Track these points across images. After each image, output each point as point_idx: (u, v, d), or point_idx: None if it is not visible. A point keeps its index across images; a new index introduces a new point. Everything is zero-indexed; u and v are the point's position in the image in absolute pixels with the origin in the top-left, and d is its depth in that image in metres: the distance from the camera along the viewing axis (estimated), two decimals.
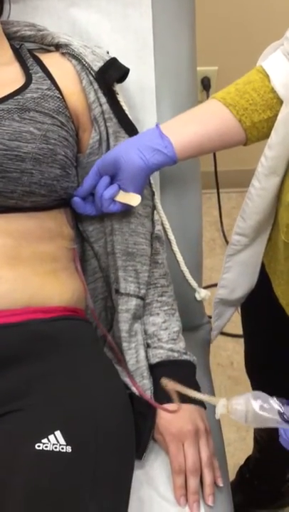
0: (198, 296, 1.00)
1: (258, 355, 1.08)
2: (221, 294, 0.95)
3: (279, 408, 0.63)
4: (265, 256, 0.89)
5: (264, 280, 0.89)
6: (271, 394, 0.67)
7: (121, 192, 0.84)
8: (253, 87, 0.81)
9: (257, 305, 0.97)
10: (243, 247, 0.88)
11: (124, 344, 0.85)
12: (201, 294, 1.00)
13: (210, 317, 1.13)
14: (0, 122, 0.77)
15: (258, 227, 0.85)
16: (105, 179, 0.84)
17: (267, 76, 0.81)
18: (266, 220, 0.84)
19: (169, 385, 0.70)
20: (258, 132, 0.81)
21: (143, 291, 0.88)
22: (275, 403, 0.63)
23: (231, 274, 0.91)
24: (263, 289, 0.90)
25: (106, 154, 0.84)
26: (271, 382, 0.93)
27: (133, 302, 0.86)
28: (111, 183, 0.84)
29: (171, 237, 0.97)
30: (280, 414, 0.62)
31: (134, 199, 0.84)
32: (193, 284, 1.00)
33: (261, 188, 0.80)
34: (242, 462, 1.35)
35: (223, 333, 1.71)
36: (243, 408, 0.64)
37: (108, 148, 0.87)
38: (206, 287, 1.05)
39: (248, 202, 0.82)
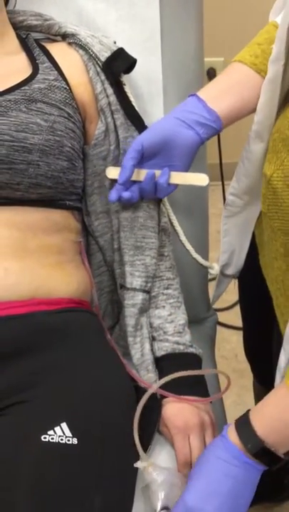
0: (212, 272, 0.99)
1: (253, 334, 1.09)
2: (223, 261, 0.95)
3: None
4: (256, 227, 0.90)
5: (256, 253, 0.90)
6: (267, 374, 0.67)
7: (173, 173, 0.81)
8: None
9: (250, 280, 0.97)
10: (238, 209, 0.89)
11: (130, 339, 0.84)
12: (216, 268, 0.98)
13: (216, 310, 1.13)
14: (7, 113, 0.76)
15: (248, 191, 0.85)
16: (150, 165, 0.81)
17: None
18: (257, 188, 0.84)
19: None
20: None
21: (149, 285, 0.88)
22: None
23: (230, 237, 0.92)
24: (255, 262, 0.90)
25: (149, 134, 0.80)
26: (266, 362, 0.93)
27: (139, 297, 0.86)
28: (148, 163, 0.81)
29: (178, 227, 0.96)
30: None
31: (200, 179, 0.82)
32: (207, 264, 0.99)
33: (249, 151, 0.81)
34: None
35: (226, 326, 1.71)
36: (157, 479, 0.71)
37: (117, 139, 0.86)
38: (211, 280, 1.05)
39: (240, 163, 0.84)
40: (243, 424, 0.67)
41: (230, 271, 0.97)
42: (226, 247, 0.94)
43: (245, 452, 0.66)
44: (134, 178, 0.81)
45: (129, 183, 0.82)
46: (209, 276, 1.01)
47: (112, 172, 0.86)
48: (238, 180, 0.86)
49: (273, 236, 0.76)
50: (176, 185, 0.83)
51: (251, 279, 0.95)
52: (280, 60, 0.72)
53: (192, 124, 0.79)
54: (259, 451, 0.65)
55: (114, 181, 0.85)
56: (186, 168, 0.82)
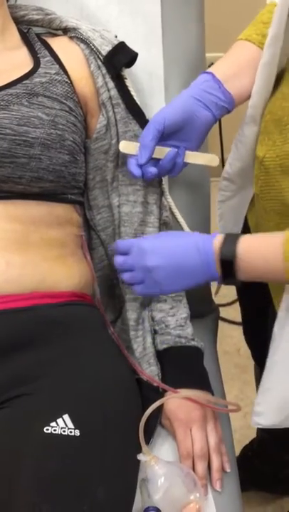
0: None
1: (250, 315, 1.09)
2: None
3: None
4: (249, 211, 0.90)
5: None
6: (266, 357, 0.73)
7: (187, 152, 0.83)
8: None
9: None
10: (232, 194, 0.90)
11: (132, 333, 0.85)
12: None
13: (218, 305, 1.13)
14: (8, 107, 0.76)
15: (241, 175, 0.86)
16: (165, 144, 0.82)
17: None
18: (249, 171, 0.84)
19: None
20: None
21: None
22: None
23: (225, 222, 0.93)
24: None
25: (170, 113, 0.79)
26: (264, 344, 0.93)
27: None
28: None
29: (181, 219, 0.96)
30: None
31: (211, 160, 0.85)
32: None
33: (243, 135, 0.82)
34: None
35: (229, 321, 1.71)
36: (158, 472, 0.71)
37: (117, 133, 0.86)
38: None
39: (233, 148, 0.85)
40: (232, 237, 0.71)
41: None
42: (221, 231, 0.95)
43: (214, 256, 0.71)
44: (154, 155, 0.82)
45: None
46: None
47: (126, 146, 0.85)
48: (231, 165, 0.87)
49: (266, 217, 0.77)
50: (186, 164, 0.84)
51: None
52: (278, 41, 0.72)
53: (209, 104, 0.79)
54: (227, 260, 0.70)
55: (128, 156, 0.84)
56: (198, 147, 0.83)
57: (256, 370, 1.22)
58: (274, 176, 0.73)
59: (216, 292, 1.03)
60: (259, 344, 0.80)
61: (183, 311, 0.88)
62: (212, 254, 0.71)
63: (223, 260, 0.71)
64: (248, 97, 0.82)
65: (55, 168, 0.79)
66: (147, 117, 0.89)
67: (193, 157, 0.84)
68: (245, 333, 1.14)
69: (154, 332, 0.87)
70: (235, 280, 0.72)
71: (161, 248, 0.74)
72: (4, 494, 0.64)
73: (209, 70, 0.82)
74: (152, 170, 0.82)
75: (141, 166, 0.81)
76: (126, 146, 0.85)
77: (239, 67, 0.81)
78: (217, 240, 0.72)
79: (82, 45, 0.87)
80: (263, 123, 0.77)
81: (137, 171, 0.81)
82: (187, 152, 0.83)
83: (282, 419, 0.77)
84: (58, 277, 0.80)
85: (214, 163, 0.86)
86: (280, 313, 0.75)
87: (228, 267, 0.70)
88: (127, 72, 0.89)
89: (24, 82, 0.80)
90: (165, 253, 0.74)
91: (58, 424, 0.66)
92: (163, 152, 0.82)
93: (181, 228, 0.97)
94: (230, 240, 0.71)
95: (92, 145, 0.87)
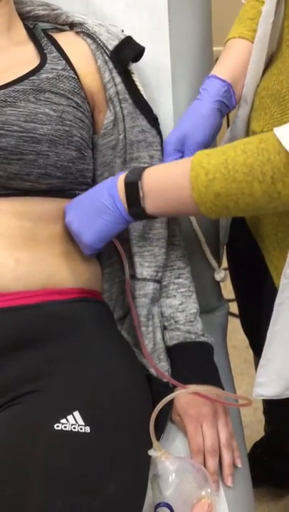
0: (217, 277, 1.00)
1: (246, 303, 1.09)
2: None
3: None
4: None
5: (243, 220, 0.92)
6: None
7: None
8: None
9: (239, 247, 1.00)
10: None
11: (143, 328, 0.84)
12: (221, 274, 0.99)
13: (228, 300, 1.13)
14: (15, 103, 0.76)
15: None
16: None
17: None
18: None
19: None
20: None
21: (160, 275, 0.88)
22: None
23: None
24: (242, 229, 0.92)
25: (206, 137, 0.83)
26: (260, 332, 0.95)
27: (150, 287, 0.86)
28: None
29: (191, 216, 0.96)
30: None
31: None
32: (214, 264, 0.99)
33: (236, 116, 0.86)
34: None
35: (237, 316, 1.70)
36: (170, 467, 0.71)
37: (125, 128, 0.86)
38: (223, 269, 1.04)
39: (229, 129, 0.89)
40: (137, 169, 0.75)
41: (221, 238, 1.00)
42: None
43: (121, 194, 0.74)
44: None
45: None
46: (217, 279, 1.01)
47: None
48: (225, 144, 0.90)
49: None
50: None
51: (239, 245, 0.98)
52: (269, 17, 0.74)
53: (224, 112, 0.84)
54: (131, 182, 0.73)
55: None
56: None
57: (256, 361, 1.22)
58: None
59: (223, 280, 1.02)
60: (255, 328, 0.81)
61: (192, 307, 0.88)
62: (116, 182, 0.75)
63: (127, 183, 0.73)
64: None
65: (62, 165, 0.79)
66: (155, 112, 0.89)
67: None
68: (244, 324, 1.14)
69: (164, 328, 0.87)
70: (142, 209, 0.73)
71: (77, 203, 0.80)
72: (16, 490, 0.64)
73: (216, 73, 0.84)
74: None
75: None
76: None
77: (240, 68, 0.84)
78: (124, 173, 0.76)
79: (88, 40, 0.87)
80: (258, 100, 0.79)
81: None
82: None
83: (284, 389, 0.78)
84: (66, 274, 0.80)
85: None
86: (283, 282, 0.75)
87: (133, 192, 0.73)
88: (133, 67, 0.89)
89: (31, 78, 0.80)
90: (80, 205, 0.79)
91: (68, 421, 0.66)
92: None
93: (190, 222, 0.96)
94: (137, 167, 0.76)
95: (100, 141, 0.87)
